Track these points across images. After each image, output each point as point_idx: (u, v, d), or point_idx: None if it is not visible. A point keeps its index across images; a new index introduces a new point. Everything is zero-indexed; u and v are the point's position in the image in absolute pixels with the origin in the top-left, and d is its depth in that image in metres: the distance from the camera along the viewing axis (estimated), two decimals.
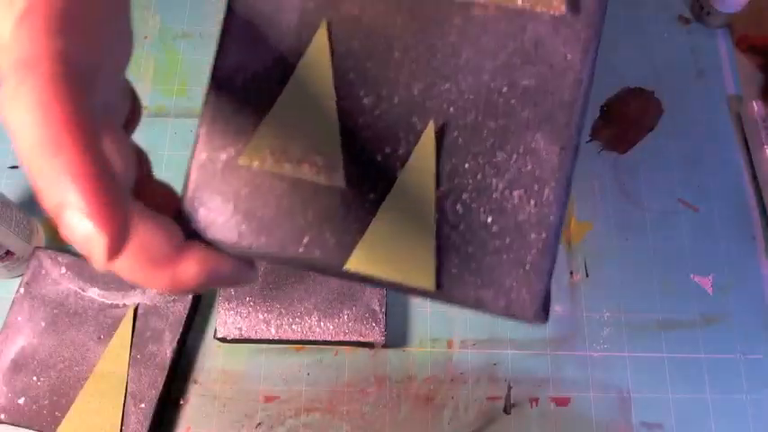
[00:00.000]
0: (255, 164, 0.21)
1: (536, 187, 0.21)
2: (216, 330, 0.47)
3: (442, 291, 0.21)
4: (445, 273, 0.21)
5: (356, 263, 0.21)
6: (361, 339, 0.47)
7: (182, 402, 0.47)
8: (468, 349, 0.50)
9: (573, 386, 0.49)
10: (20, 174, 0.53)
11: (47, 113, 0.15)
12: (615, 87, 0.60)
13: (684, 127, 0.59)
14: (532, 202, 0.21)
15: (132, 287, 0.47)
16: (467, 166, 0.22)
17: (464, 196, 0.21)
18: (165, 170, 0.53)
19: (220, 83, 0.22)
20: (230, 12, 0.22)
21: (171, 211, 0.22)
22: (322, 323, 0.47)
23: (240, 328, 0.47)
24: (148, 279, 0.19)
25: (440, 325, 0.50)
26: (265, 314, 0.47)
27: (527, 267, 0.21)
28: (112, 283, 0.48)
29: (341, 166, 0.21)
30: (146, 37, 0.59)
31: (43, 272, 0.47)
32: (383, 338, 0.47)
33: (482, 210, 0.21)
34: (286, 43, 0.22)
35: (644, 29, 0.63)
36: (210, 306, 0.50)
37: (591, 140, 0.58)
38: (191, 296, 0.47)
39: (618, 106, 0.59)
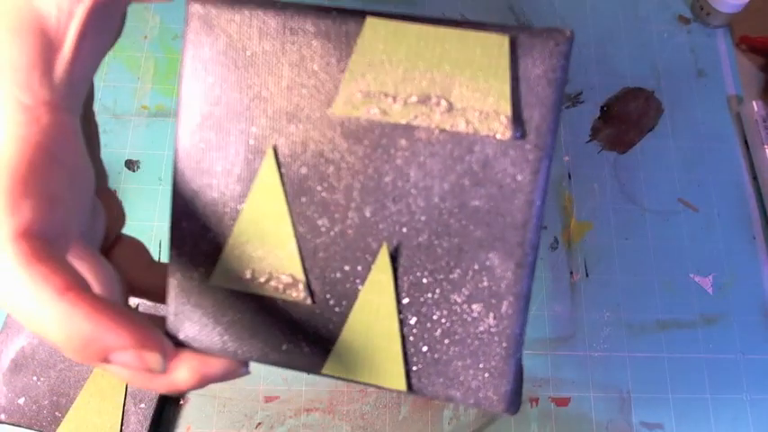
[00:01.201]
0: (225, 285, 0.23)
1: (494, 302, 0.22)
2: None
3: (413, 391, 0.23)
4: (414, 375, 0.23)
5: (331, 368, 0.23)
6: None
7: (182, 402, 0.47)
8: None
9: (573, 386, 0.49)
10: None
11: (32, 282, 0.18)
12: (615, 87, 0.60)
13: (684, 127, 0.59)
14: (491, 314, 0.22)
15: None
16: (424, 281, 0.22)
17: (424, 309, 0.22)
18: (165, 170, 0.54)
19: (181, 210, 0.24)
20: (178, 144, 0.23)
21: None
22: None
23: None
24: (147, 385, 0.21)
25: None
26: None
27: (492, 372, 0.22)
28: None
29: (304, 284, 0.23)
30: (145, 37, 0.59)
31: None
32: None
33: (443, 321, 0.22)
34: (236, 170, 0.23)
35: (644, 29, 0.63)
36: None
37: (591, 140, 0.58)
38: None
39: (618, 106, 0.59)
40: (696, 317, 0.52)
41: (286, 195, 0.23)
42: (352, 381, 0.23)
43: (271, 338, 0.23)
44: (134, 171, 0.53)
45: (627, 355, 0.51)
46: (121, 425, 0.44)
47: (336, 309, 0.23)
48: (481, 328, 0.22)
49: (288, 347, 0.23)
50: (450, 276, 0.22)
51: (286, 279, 0.23)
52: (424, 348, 0.23)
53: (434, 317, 0.22)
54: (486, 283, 0.22)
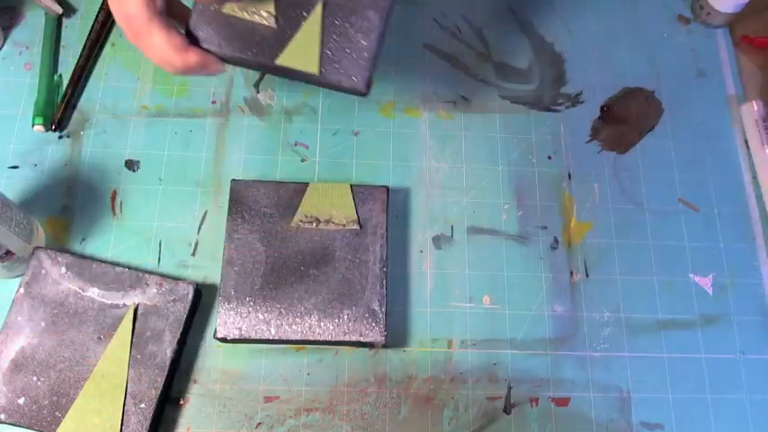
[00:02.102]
0: (229, 11, 0.41)
1: (368, 32, 0.42)
2: (216, 330, 0.47)
3: (322, 75, 0.42)
4: (323, 66, 0.42)
5: (282, 60, 0.41)
6: (362, 339, 0.47)
7: (182, 402, 0.47)
8: (468, 349, 0.50)
9: (573, 386, 0.49)
10: (20, 174, 0.53)
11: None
12: (615, 87, 0.60)
13: (684, 127, 0.59)
14: (365, 39, 0.41)
15: (131, 287, 0.47)
16: (336, 22, 0.41)
17: (334, 35, 0.42)
18: (165, 169, 0.54)
19: None
20: None
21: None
22: (322, 323, 0.47)
23: (240, 328, 0.47)
24: (173, 60, 0.39)
25: (440, 325, 0.50)
26: (265, 314, 0.47)
27: (362, 65, 0.42)
28: (113, 283, 0.48)
29: (273, 16, 0.41)
30: None
31: (43, 272, 0.47)
32: (383, 338, 0.47)
33: (342, 42, 0.42)
34: None
35: (644, 29, 0.63)
36: (210, 306, 0.50)
37: (591, 140, 0.58)
38: (190, 296, 0.47)
39: (618, 106, 0.59)
40: (696, 317, 0.52)
41: None
42: (289, 70, 0.42)
43: (248, 44, 0.41)
44: (134, 171, 0.53)
45: (627, 355, 0.51)
46: (121, 425, 0.44)
47: (288, 31, 0.42)
48: (359, 45, 0.42)
49: (257, 51, 0.42)
50: (350, 19, 0.42)
51: (264, 12, 0.41)
52: (329, 53, 0.42)
53: (338, 40, 0.42)
54: (365, 24, 0.42)
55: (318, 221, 0.50)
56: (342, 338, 0.47)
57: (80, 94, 0.56)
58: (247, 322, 0.47)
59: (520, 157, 0.57)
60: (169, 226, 0.52)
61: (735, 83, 0.61)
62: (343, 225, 0.50)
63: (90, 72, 0.57)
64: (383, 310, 0.48)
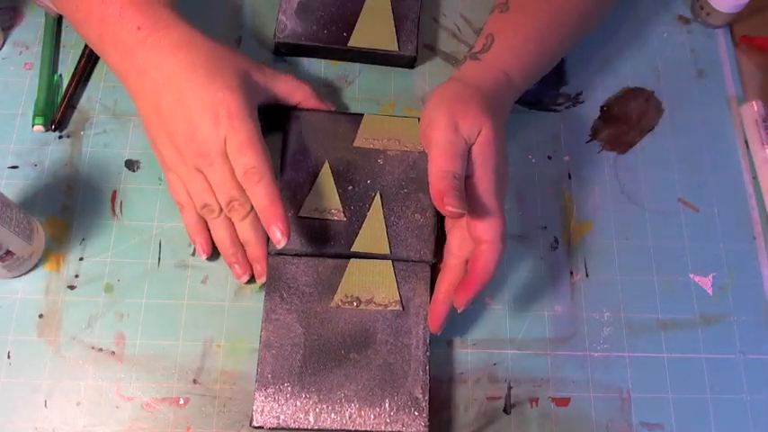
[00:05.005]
0: (305, 214, 0.50)
1: (423, 211, 0.51)
2: (252, 418, 0.45)
3: (391, 252, 0.49)
4: (392, 246, 0.49)
5: (356, 246, 0.49)
6: (403, 430, 0.45)
7: (182, 402, 0.47)
8: (468, 349, 0.50)
9: (573, 386, 0.49)
10: (20, 173, 0.53)
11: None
12: (615, 87, 0.60)
13: (684, 127, 0.59)
14: (421, 217, 0.51)
15: None
16: (395, 207, 0.50)
17: (395, 218, 0.50)
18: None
19: (286, 185, 0.51)
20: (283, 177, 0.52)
21: None
22: (363, 412, 0.45)
23: (278, 417, 0.45)
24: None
25: None
26: (304, 401, 0.45)
27: (424, 239, 0.50)
28: None
29: (342, 211, 0.50)
30: None
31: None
32: (426, 429, 0.45)
33: (403, 222, 0.50)
34: (309, 179, 0.51)
35: (644, 29, 0.63)
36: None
37: (591, 140, 0.58)
38: None
39: (618, 106, 0.59)
40: (696, 317, 0.52)
41: (336, 185, 0.50)
42: (365, 253, 0.49)
43: (323, 241, 0.49)
44: (134, 171, 0.53)
45: (627, 355, 0.51)
46: None
47: (356, 224, 0.49)
48: (419, 222, 0.50)
49: (333, 244, 0.49)
50: (405, 203, 0.50)
51: (333, 210, 0.49)
52: (394, 234, 0.49)
53: (399, 222, 0.50)
54: (419, 204, 0.50)
55: (359, 301, 0.48)
56: (382, 429, 0.45)
57: (80, 94, 0.56)
58: (285, 410, 0.45)
59: (520, 157, 0.57)
60: (169, 226, 0.52)
61: (735, 83, 0.61)
62: (385, 305, 0.48)
63: (90, 72, 0.57)
64: (426, 398, 0.46)
